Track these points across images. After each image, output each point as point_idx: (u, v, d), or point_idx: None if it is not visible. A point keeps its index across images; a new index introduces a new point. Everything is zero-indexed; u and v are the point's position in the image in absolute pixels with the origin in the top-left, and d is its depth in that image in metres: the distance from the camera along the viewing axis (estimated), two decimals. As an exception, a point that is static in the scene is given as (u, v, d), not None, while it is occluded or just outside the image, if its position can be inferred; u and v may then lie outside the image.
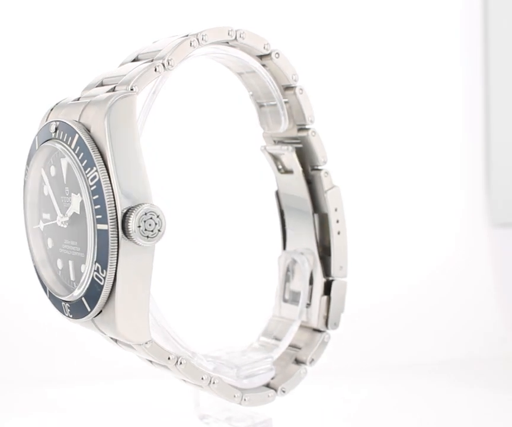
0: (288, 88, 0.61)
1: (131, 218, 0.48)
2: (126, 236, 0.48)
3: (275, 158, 0.65)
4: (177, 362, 0.55)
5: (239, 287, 0.85)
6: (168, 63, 0.53)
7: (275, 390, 0.61)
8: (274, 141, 0.64)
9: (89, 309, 0.51)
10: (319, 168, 0.63)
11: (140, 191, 0.49)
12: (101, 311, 0.50)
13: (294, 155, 0.63)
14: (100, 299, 0.49)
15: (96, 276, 0.49)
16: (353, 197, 0.88)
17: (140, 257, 0.49)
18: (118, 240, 0.48)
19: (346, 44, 0.90)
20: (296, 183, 0.63)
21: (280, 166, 0.65)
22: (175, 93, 0.85)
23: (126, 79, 0.52)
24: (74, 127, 0.50)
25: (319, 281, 0.63)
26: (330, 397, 0.76)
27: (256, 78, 0.61)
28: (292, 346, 0.64)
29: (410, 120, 0.91)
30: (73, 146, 0.50)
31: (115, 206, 0.48)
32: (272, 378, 0.62)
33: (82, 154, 0.50)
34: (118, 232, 0.48)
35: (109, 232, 0.48)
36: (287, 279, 0.66)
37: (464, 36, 0.91)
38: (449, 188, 0.92)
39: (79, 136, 0.50)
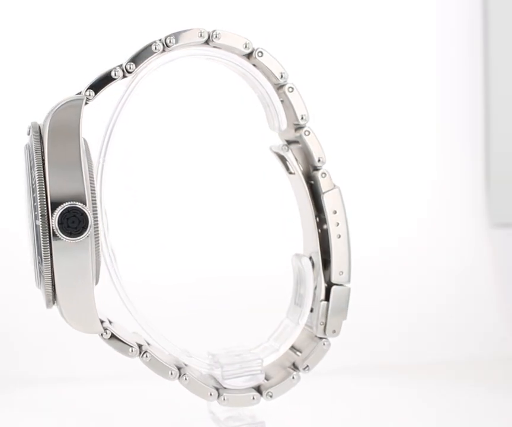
0: (279, 86, 0.60)
1: (53, 215, 0.50)
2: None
3: (283, 159, 0.63)
4: (141, 354, 0.57)
5: (270, 285, 0.84)
6: (130, 67, 0.55)
7: (261, 393, 0.61)
8: (287, 141, 0.63)
9: (45, 299, 0.54)
10: (317, 168, 0.61)
11: (72, 190, 0.51)
12: (55, 302, 0.54)
13: (292, 155, 0.62)
14: (45, 290, 0.53)
15: (39, 268, 0.52)
16: (352, 197, 0.88)
17: (75, 252, 0.51)
18: (49, 236, 0.51)
19: (346, 43, 0.90)
20: (298, 184, 0.62)
21: (289, 167, 0.64)
22: (192, 95, 0.85)
23: (90, 84, 0.55)
24: (31, 129, 0.53)
25: (321, 286, 0.62)
26: (329, 397, 0.76)
27: (253, 79, 0.60)
28: (297, 349, 0.64)
29: (410, 120, 0.91)
30: (29, 146, 0.53)
31: (46, 204, 0.51)
32: (267, 380, 0.62)
33: (30, 155, 0.53)
34: (49, 228, 0.51)
35: (40, 228, 0.51)
36: (298, 281, 0.65)
37: (465, 36, 0.91)
38: (449, 189, 0.92)
39: (32, 138, 0.53)
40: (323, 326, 0.62)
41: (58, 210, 0.50)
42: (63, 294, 0.52)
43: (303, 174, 0.62)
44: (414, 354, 0.88)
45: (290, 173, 0.63)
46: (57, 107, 0.53)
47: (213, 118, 0.86)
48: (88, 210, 0.51)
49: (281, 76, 0.59)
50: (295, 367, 0.63)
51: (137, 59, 0.56)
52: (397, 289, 0.90)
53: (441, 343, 0.89)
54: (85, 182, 0.51)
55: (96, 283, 0.59)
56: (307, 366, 0.62)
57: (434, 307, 0.90)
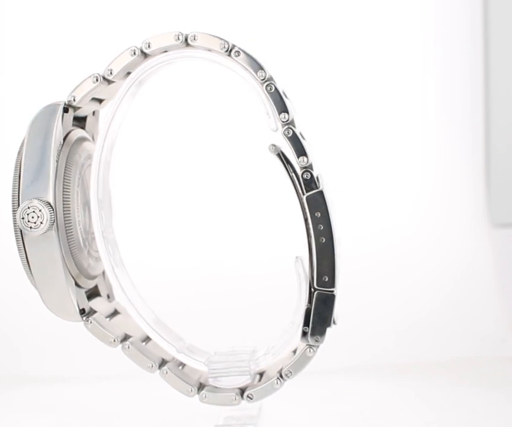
0: (262, 85, 0.58)
1: (17, 211, 0.56)
2: None
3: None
4: (123, 345, 0.60)
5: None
6: (110, 73, 0.58)
7: (242, 395, 0.60)
8: None
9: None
10: (301, 168, 0.58)
11: (37, 189, 0.56)
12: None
13: (282, 156, 0.60)
14: (28, 278, 0.58)
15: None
16: (352, 197, 0.88)
17: (43, 245, 0.56)
18: (20, 230, 0.56)
19: (346, 43, 0.90)
20: (290, 185, 0.61)
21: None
22: (198, 97, 0.85)
23: (72, 90, 0.58)
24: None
25: (307, 290, 0.59)
26: (329, 397, 0.76)
27: (242, 79, 0.59)
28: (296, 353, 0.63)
29: (410, 120, 0.91)
30: None
31: (18, 201, 0.56)
32: (259, 382, 0.61)
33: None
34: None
35: (13, 221, 0.57)
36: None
37: (465, 35, 0.91)
38: (449, 189, 0.92)
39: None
40: (307, 332, 0.59)
41: (21, 207, 0.55)
42: (39, 283, 0.57)
43: (294, 175, 0.60)
44: (414, 354, 0.88)
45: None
46: (37, 112, 0.58)
47: (219, 119, 0.87)
48: (46, 207, 0.55)
49: (261, 75, 0.57)
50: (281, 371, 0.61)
51: (115, 64, 0.58)
52: (397, 288, 0.90)
53: (441, 343, 0.89)
54: (51, 181, 0.56)
55: (90, 277, 0.62)
56: (290, 372, 0.60)
57: (433, 307, 0.90)
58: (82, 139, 0.62)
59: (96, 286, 0.64)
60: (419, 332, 0.89)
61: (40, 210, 0.55)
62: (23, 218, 0.55)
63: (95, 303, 0.62)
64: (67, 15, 0.87)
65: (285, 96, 0.59)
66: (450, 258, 0.91)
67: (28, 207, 0.55)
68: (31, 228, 0.55)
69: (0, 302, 0.87)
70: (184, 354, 0.61)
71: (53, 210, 0.56)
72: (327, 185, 0.59)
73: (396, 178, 0.91)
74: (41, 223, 0.55)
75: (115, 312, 0.64)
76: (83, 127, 0.63)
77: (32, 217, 0.55)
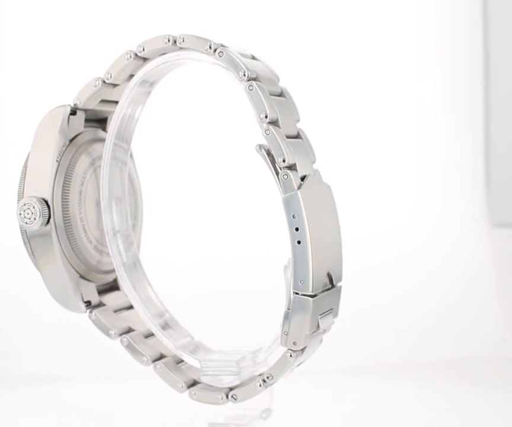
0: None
1: (17, 207, 0.59)
2: None
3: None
4: (120, 339, 0.61)
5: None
6: (110, 76, 0.59)
7: (227, 395, 0.60)
8: None
9: None
10: (283, 168, 0.56)
11: (40, 187, 0.59)
12: None
13: (263, 154, 0.57)
14: (33, 265, 0.60)
15: None
16: (353, 197, 0.88)
17: (43, 240, 0.59)
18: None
19: (347, 43, 0.90)
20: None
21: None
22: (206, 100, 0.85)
23: (76, 94, 0.61)
24: None
25: (290, 293, 0.57)
26: (329, 397, 0.76)
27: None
28: None
29: (410, 120, 0.91)
30: None
31: (23, 197, 0.59)
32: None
33: None
34: None
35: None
36: None
37: (465, 34, 0.91)
38: (449, 189, 0.92)
39: None
40: (286, 336, 0.57)
41: (19, 204, 0.59)
42: (43, 274, 0.60)
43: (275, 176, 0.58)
44: (414, 354, 0.88)
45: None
46: (44, 115, 0.60)
47: (218, 118, 0.87)
48: (40, 204, 0.58)
49: (244, 75, 0.56)
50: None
51: (113, 67, 0.59)
52: (397, 289, 0.90)
53: (441, 343, 0.89)
54: (49, 180, 0.59)
55: (101, 272, 0.63)
56: (271, 375, 0.58)
57: (434, 307, 0.90)
58: (96, 140, 0.63)
59: (115, 280, 0.65)
60: (419, 332, 0.89)
61: (33, 207, 0.58)
62: (20, 214, 0.59)
63: (109, 297, 0.64)
64: (76, 18, 0.88)
65: (284, 95, 0.59)
66: (450, 258, 0.91)
67: (24, 204, 0.58)
68: (26, 223, 0.58)
69: (0, 302, 0.87)
70: (181, 351, 0.62)
71: (47, 207, 0.59)
72: (315, 186, 0.58)
73: (396, 179, 0.91)
74: (35, 219, 0.58)
75: (130, 307, 0.64)
76: (104, 129, 0.65)
77: (28, 213, 0.58)
